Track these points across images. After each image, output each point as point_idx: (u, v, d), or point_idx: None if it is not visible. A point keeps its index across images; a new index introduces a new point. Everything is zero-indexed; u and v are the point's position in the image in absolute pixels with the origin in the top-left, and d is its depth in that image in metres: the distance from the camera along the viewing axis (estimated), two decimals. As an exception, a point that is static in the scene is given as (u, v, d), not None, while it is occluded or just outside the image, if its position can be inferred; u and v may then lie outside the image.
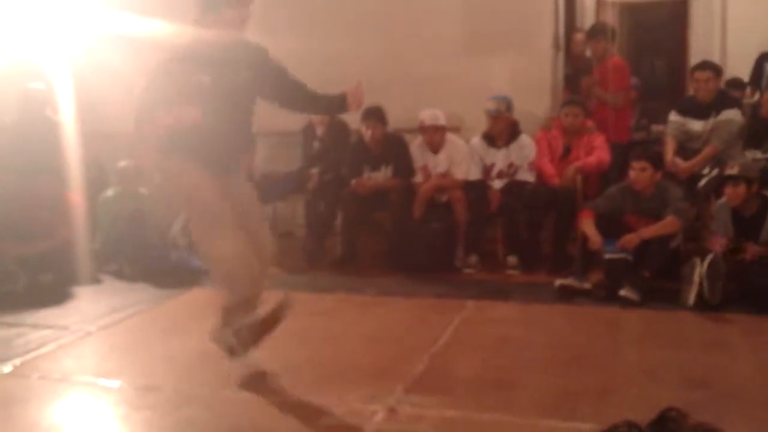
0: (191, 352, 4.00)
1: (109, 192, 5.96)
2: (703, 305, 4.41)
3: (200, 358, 3.89)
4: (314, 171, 6.22)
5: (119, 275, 5.63)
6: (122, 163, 6.04)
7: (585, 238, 4.89)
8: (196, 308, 5.01)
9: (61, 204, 5.53)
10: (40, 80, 5.42)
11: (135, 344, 4.28)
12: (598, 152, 5.67)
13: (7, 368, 3.77)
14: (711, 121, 5.45)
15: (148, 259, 5.65)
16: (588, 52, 6.88)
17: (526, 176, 5.75)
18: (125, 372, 3.73)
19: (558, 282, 4.88)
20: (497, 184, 5.73)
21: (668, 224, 4.75)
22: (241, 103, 3.48)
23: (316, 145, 6.37)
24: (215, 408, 3.29)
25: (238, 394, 3.41)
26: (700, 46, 7.75)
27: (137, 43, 6.94)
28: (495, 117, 5.81)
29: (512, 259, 5.56)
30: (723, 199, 4.80)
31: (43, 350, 4.04)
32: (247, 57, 3.48)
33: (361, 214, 5.91)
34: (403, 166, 5.94)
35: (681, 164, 5.44)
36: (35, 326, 4.43)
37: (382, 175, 5.94)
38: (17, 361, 3.85)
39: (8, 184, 5.56)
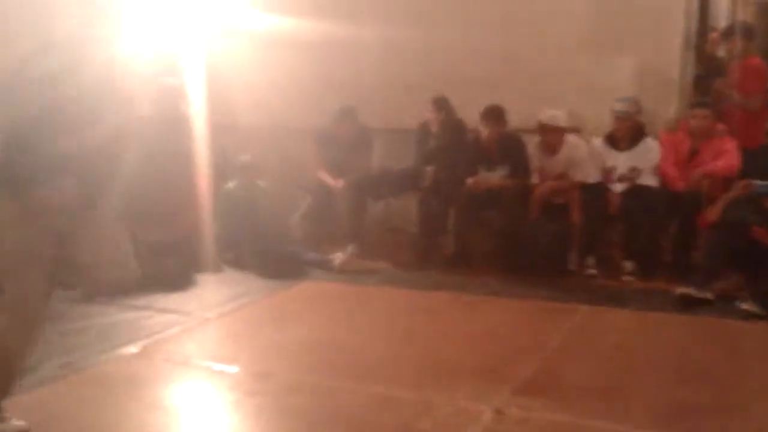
0: (302, 341, 4.15)
1: (230, 183, 6.18)
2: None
3: (310, 348, 4.03)
4: (429, 169, 6.23)
5: (236, 264, 5.82)
6: (243, 156, 6.25)
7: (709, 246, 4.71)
8: (308, 299, 5.18)
9: (191, 193, 5.78)
10: (174, 74, 5.69)
11: (250, 332, 4.44)
12: (727, 157, 5.41)
13: (135, 349, 4.00)
14: None
15: (264, 250, 5.82)
16: (721, 52, 6.57)
17: (650, 180, 5.56)
18: (240, 358, 3.87)
19: (679, 290, 4.70)
20: (618, 187, 5.56)
21: None
22: None
23: (432, 143, 6.39)
24: (322, 396, 3.37)
25: (346, 383, 3.49)
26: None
27: (263, 39, 7.28)
28: (622, 119, 5.65)
29: (629, 265, 5.38)
30: None
31: (167, 333, 4.27)
32: None
33: (475, 214, 5.88)
34: (520, 166, 5.87)
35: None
36: (161, 311, 4.68)
37: (498, 175, 5.88)
38: (144, 343, 4.08)
39: (145, 173, 5.85)
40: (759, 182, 4.85)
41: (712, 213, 4.90)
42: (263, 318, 4.73)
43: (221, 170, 6.32)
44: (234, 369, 3.71)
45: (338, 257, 5.77)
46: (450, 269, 5.71)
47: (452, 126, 6.31)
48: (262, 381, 3.56)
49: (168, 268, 5.36)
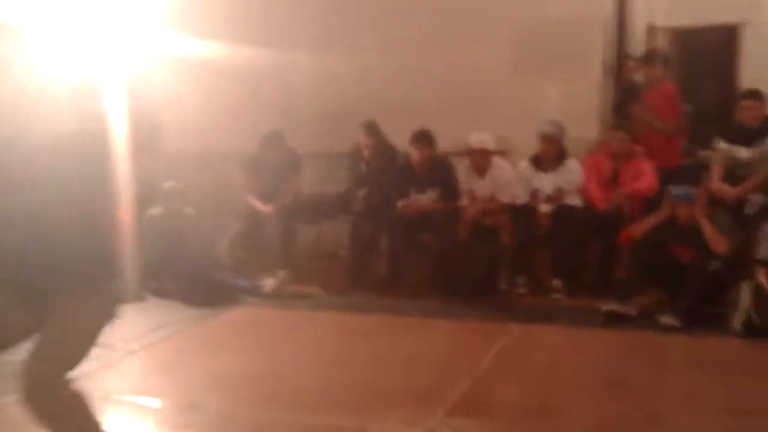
0: (233, 371, 4.05)
1: (155, 210, 6.07)
2: (750, 331, 4.35)
3: (241, 378, 3.94)
4: (360, 192, 6.28)
5: (161, 293, 5.69)
6: (169, 183, 6.16)
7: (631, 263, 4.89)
8: (238, 327, 5.11)
9: (114, 221, 5.64)
10: (97, 98, 5.57)
11: (177, 363, 4.32)
12: (646, 178, 5.62)
13: (51, 387, 3.81)
14: (758, 148, 5.40)
15: (191, 278, 5.73)
16: (638, 78, 6.84)
17: (574, 201, 5.73)
18: (167, 391, 3.76)
19: (604, 307, 4.85)
20: (545, 208, 5.71)
21: (718, 240, 4.76)
22: None
23: (363, 167, 6.44)
24: (255, 430, 3.32)
25: (281, 414, 3.44)
26: (751, 72, 7.64)
27: (192, 64, 7.22)
28: (548, 140, 5.82)
29: (557, 283, 5.53)
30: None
31: (86, 369, 4.10)
32: None
33: (407, 236, 5.95)
34: (449, 189, 5.97)
35: (728, 191, 5.38)
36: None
37: (428, 198, 5.97)
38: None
39: (64, 201, 5.69)
40: (675, 188, 5.06)
41: (634, 230, 5.08)
42: (191, 348, 4.63)
43: (145, 197, 6.22)
44: (159, 403, 3.59)
45: (269, 283, 5.74)
46: (383, 292, 5.74)
47: (383, 150, 6.38)
48: (189, 414, 3.46)
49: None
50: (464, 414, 3.38)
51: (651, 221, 5.07)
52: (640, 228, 5.07)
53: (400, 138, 6.22)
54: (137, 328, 4.84)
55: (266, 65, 6.87)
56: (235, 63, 6.92)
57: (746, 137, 5.45)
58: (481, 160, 5.94)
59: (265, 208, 6.35)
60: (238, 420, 3.41)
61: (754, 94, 5.57)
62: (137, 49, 6.04)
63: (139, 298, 5.60)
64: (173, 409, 3.56)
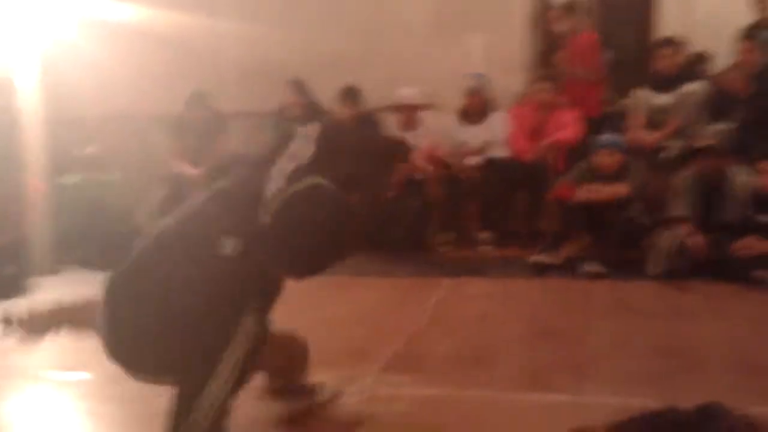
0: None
1: (71, 178, 5.87)
2: (669, 274, 4.53)
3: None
4: (290, 152, 6.21)
5: (84, 264, 5.52)
6: (88, 148, 5.97)
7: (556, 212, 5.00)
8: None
9: (24, 193, 5.44)
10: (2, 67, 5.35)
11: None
12: (570, 128, 5.72)
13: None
14: (675, 94, 5.53)
15: (113, 247, 5.58)
16: (560, 28, 6.89)
17: (501, 153, 5.80)
18: (93, 363, 3.66)
19: (532, 258, 4.96)
20: (472, 160, 5.77)
21: (618, 188, 4.87)
22: None
23: (291, 126, 6.36)
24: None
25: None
26: (668, 20, 7.79)
27: (112, 29, 6.98)
28: (472, 94, 5.85)
29: (485, 235, 5.62)
30: (688, 171, 4.87)
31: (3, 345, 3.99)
32: None
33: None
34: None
35: (646, 137, 5.52)
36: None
37: (357, 155, 5.95)
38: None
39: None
40: (600, 137, 5.15)
41: (576, 193, 5.05)
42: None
43: (62, 165, 6.02)
44: (85, 375, 3.48)
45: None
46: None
47: (310, 109, 6.32)
48: (117, 386, 3.38)
49: (3, 276, 4.99)
50: (399, 370, 3.41)
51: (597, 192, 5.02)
52: (583, 194, 5.01)
53: (326, 97, 6.17)
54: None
55: (187, 28, 6.69)
56: (155, 26, 6.72)
57: (664, 84, 5.58)
58: (408, 115, 5.94)
59: (192, 171, 6.22)
60: (166, 389, 3.37)
61: (670, 42, 5.70)
62: (56, 13, 5.79)
63: (52, 270, 5.45)
64: (100, 381, 3.47)
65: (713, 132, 4.86)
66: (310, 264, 2.19)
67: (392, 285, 4.89)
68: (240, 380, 2.15)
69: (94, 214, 5.71)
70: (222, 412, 2.14)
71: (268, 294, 2.23)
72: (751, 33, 5.90)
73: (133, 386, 3.34)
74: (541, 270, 4.90)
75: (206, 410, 2.12)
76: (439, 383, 3.26)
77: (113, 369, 3.44)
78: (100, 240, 5.62)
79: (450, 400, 3.09)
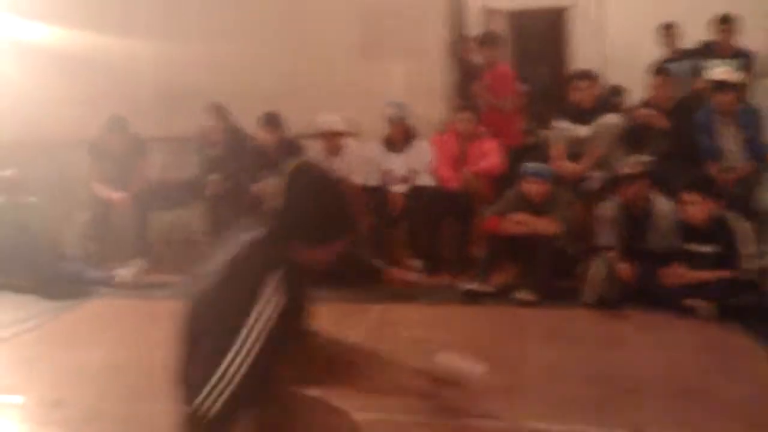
0: (96, 364, 3.89)
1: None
2: (601, 303, 4.60)
3: (107, 371, 3.79)
4: (213, 177, 6.11)
5: (10, 287, 5.37)
6: (7, 172, 5.76)
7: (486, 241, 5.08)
8: (97, 319, 4.88)
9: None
10: None
11: (36, 358, 4.09)
12: (492, 156, 5.85)
13: None
14: (593, 125, 5.73)
15: (39, 271, 5.42)
16: (477, 59, 7.08)
17: (426, 181, 5.87)
18: (28, 387, 3.58)
19: (464, 286, 5.01)
20: (399, 188, 5.81)
21: (546, 224, 4.97)
22: None
23: (213, 151, 6.27)
24: (126, 422, 3.20)
25: (149, 406, 3.31)
26: (580, 54, 8.14)
27: (30, 51, 6.76)
28: (395, 123, 5.92)
29: (416, 263, 5.65)
30: (612, 201, 5.04)
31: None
32: None
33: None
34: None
35: (569, 167, 5.69)
36: None
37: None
38: None
39: None
40: (528, 165, 5.24)
41: (502, 225, 5.11)
42: (50, 342, 4.39)
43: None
44: (21, 399, 3.41)
45: (123, 273, 5.50)
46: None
47: (232, 133, 6.25)
48: (55, 410, 3.29)
49: None
50: (332, 397, 3.39)
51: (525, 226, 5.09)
52: (510, 227, 5.08)
53: (249, 123, 6.12)
54: None
55: (105, 52, 6.62)
56: (72, 49, 6.62)
57: (581, 116, 5.77)
58: (331, 142, 5.94)
59: (115, 195, 6.04)
60: (106, 414, 3.26)
61: (586, 75, 5.90)
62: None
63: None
64: (36, 405, 3.36)
65: (634, 161, 5.04)
66: (320, 232, 2.33)
67: (323, 312, 4.80)
68: (264, 349, 2.17)
69: (17, 237, 5.54)
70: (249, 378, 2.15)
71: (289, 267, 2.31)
72: (660, 68, 6.21)
73: (70, 410, 3.25)
74: (473, 297, 4.94)
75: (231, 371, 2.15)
76: (370, 409, 3.24)
77: (50, 393, 3.34)
78: (26, 263, 5.45)
79: (383, 426, 3.09)
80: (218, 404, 2.12)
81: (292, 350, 2.57)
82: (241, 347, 2.15)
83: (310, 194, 2.34)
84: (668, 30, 7.04)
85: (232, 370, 2.14)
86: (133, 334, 4.48)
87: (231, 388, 2.13)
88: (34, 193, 5.85)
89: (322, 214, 2.31)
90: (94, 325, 4.74)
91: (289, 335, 2.43)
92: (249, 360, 2.15)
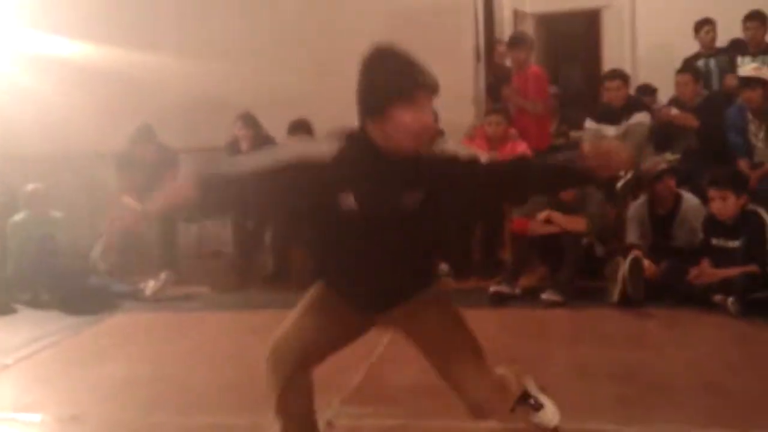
0: (116, 379, 3.91)
1: (18, 216, 5.74)
2: (626, 302, 4.55)
3: (126, 385, 3.81)
4: (242, 187, 6.14)
5: (35, 304, 5.44)
6: (30, 186, 5.84)
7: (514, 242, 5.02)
8: (119, 334, 4.90)
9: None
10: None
11: (56, 375, 4.11)
12: (521, 159, 5.78)
13: None
14: (623, 125, 5.67)
15: (65, 286, 5.46)
16: (507, 62, 7.04)
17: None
18: (47, 404, 3.59)
19: (491, 288, 4.96)
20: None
21: (575, 222, 4.90)
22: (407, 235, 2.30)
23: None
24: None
25: (171, 418, 3.34)
26: (613, 55, 8.04)
27: (54, 64, 6.89)
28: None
29: (444, 268, 5.60)
30: (640, 199, 4.98)
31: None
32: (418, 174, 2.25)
33: (291, 229, 5.87)
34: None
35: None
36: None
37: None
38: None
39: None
40: None
41: (531, 228, 5.07)
42: (71, 358, 4.41)
43: (8, 203, 5.87)
44: (39, 417, 3.42)
45: (150, 286, 5.54)
46: (270, 287, 5.65)
47: (262, 142, 6.27)
48: (73, 425, 3.32)
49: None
50: (360, 401, 3.39)
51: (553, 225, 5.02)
52: (538, 228, 5.03)
53: (276, 131, 6.15)
54: (10, 341, 4.61)
55: (129, 65, 6.69)
56: (96, 63, 6.71)
57: (612, 116, 5.71)
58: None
59: (140, 207, 6.06)
60: (124, 425, 3.30)
61: (618, 75, 5.84)
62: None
63: (8, 310, 5.32)
64: (54, 422, 3.39)
65: (663, 159, 4.97)
66: None
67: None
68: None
69: (42, 252, 5.58)
70: None
71: None
72: (685, 66, 6.09)
73: (87, 425, 3.28)
74: (500, 300, 4.90)
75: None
76: (399, 413, 3.24)
77: (68, 409, 3.37)
78: (52, 278, 5.49)
79: (411, 430, 3.07)
80: None
81: None
82: None
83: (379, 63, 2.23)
84: (704, 27, 6.88)
85: None
86: (157, 347, 4.49)
87: None
88: (59, 207, 5.91)
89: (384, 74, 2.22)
90: (115, 339, 4.74)
91: None
92: None
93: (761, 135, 5.39)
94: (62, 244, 5.72)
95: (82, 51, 6.74)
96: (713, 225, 4.55)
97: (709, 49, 6.77)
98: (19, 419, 3.42)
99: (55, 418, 3.43)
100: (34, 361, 4.32)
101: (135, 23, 6.87)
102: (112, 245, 6.03)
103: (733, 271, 4.35)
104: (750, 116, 5.40)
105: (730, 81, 6.25)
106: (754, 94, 5.33)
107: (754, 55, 6.42)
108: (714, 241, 4.53)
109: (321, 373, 3.69)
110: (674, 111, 5.84)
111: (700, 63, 6.61)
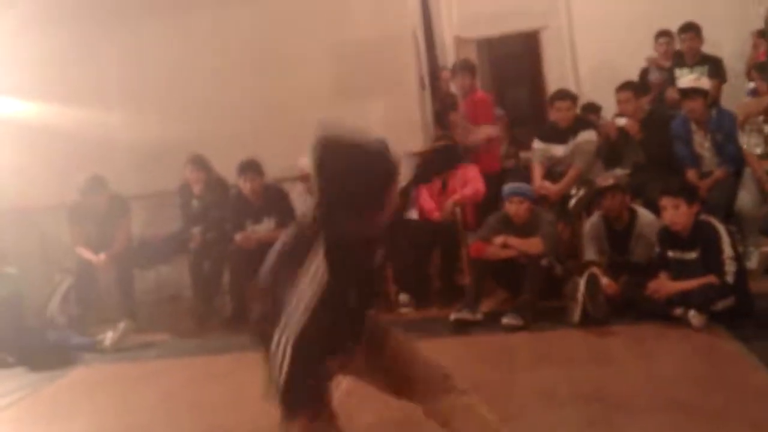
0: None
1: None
2: (588, 321, 4.54)
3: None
4: (196, 230, 6.09)
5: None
6: (-15, 244, 5.74)
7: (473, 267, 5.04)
8: (81, 387, 4.78)
9: None
10: None
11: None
12: (472, 183, 5.83)
13: None
14: (570, 144, 5.76)
15: (25, 343, 5.35)
16: (453, 88, 7.12)
17: (409, 213, 5.85)
18: None
19: (452, 316, 4.95)
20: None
21: (531, 244, 4.92)
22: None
23: (195, 203, 6.26)
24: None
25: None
26: (555, 75, 8.18)
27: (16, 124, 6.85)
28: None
29: (404, 297, 5.60)
30: (594, 216, 5.04)
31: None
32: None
33: (249, 270, 5.80)
34: (286, 215, 5.90)
35: (550, 187, 5.69)
36: None
37: (265, 228, 5.88)
38: None
39: None
40: (507, 186, 5.19)
41: (488, 251, 5.06)
42: (33, 416, 4.30)
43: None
44: None
45: (109, 336, 5.44)
46: (231, 330, 5.58)
47: (214, 184, 6.24)
48: None
49: None
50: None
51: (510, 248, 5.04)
52: (495, 252, 5.03)
53: (228, 171, 6.12)
54: None
55: (75, 121, 6.72)
56: (43, 121, 6.70)
57: (560, 135, 5.80)
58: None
59: (95, 258, 5.99)
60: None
61: (566, 95, 5.94)
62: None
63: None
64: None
65: (610, 175, 5.03)
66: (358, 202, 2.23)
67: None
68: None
69: (5, 312, 5.45)
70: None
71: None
72: (626, 83, 6.22)
73: None
74: (462, 327, 4.88)
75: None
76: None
77: None
78: (10, 334, 5.38)
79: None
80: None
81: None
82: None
83: (341, 168, 2.22)
84: (660, 39, 7.03)
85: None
86: (120, 399, 4.41)
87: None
88: (11, 263, 5.80)
89: (357, 183, 2.20)
90: (78, 394, 4.64)
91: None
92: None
93: (707, 145, 5.50)
94: (17, 300, 5.59)
95: (31, 109, 6.77)
96: (668, 237, 4.56)
97: (666, 60, 6.93)
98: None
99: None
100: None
101: (78, 79, 6.83)
102: (70, 297, 5.94)
103: (690, 283, 4.35)
104: (694, 127, 5.53)
105: (671, 93, 6.41)
106: (696, 104, 5.46)
107: (692, 66, 6.61)
108: (671, 254, 4.55)
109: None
110: (622, 120, 5.95)
111: (655, 75, 6.76)
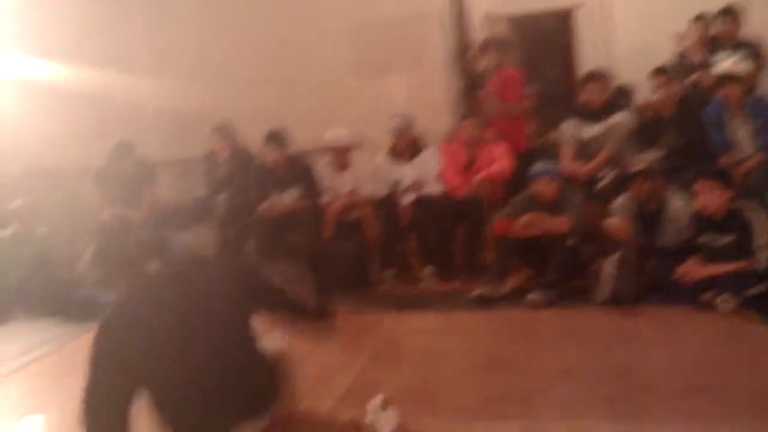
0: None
1: (4, 232, 5.73)
2: (614, 301, 4.50)
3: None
4: (221, 198, 6.11)
5: (26, 316, 5.51)
6: (15, 202, 5.83)
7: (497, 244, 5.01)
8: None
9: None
10: None
11: (52, 383, 4.14)
12: (501, 161, 5.80)
13: None
14: (603, 125, 5.67)
15: (56, 297, 5.54)
16: (480, 66, 7.03)
17: (435, 189, 5.83)
18: (47, 412, 3.65)
19: (475, 291, 4.94)
20: (407, 198, 5.77)
21: (559, 223, 4.88)
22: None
23: (221, 171, 6.28)
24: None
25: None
26: (588, 54, 8.07)
27: (31, 85, 6.90)
28: (398, 134, 5.90)
29: (428, 270, 5.60)
30: (623, 197, 4.95)
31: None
32: None
33: (273, 238, 5.84)
34: (309, 186, 5.91)
35: (579, 169, 5.62)
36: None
37: (289, 197, 5.89)
38: None
39: None
40: (535, 166, 5.15)
41: (514, 228, 4.99)
42: (66, 367, 4.37)
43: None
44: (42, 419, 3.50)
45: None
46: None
47: (239, 153, 6.25)
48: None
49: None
50: (351, 404, 3.37)
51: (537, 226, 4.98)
52: (521, 230, 4.96)
53: (254, 141, 6.14)
54: (4, 352, 4.68)
55: (106, 86, 6.84)
56: (74, 85, 6.80)
57: (592, 116, 5.71)
58: (339, 156, 5.93)
59: (133, 214, 6.06)
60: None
61: (597, 75, 5.84)
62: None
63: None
64: (59, 425, 3.40)
65: (644, 158, 4.95)
66: None
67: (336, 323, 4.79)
68: None
69: (30, 266, 5.68)
70: None
71: None
72: (658, 68, 6.12)
73: None
74: (486, 302, 4.87)
75: None
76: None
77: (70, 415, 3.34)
78: (41, 289, 5.58)
79: (401, 430, 3.05)
80: None
81: None
82: None
83: None
84: (697, 22, 6.87)
85: None
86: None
87: None
88: (43, 223, 5.90)
89: None
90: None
91: None
92: None
93: (742, 131, 5.37)
94: (49, 258, 5.80)
95: (60, 73, 6.87)
96: (701, 222, 4.50)
97: (700, 45, 6.77)
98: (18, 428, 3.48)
99: (59, 421, 3.46)
100: (29, 371, 4.38)
101: (108, 44, 6.90)
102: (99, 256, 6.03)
103: (722, 268, 4.30)
104: (729, 113, 5.41)
105: (706, 78, 6.27)
106: (732, 90, 5.33)
107: (729, 50, 6.45)
108: (702, 239, 4.49)
109: (311, 380, 3.70)
110: (655, 96, 5.85)
111: (690, 59, 6.62)
